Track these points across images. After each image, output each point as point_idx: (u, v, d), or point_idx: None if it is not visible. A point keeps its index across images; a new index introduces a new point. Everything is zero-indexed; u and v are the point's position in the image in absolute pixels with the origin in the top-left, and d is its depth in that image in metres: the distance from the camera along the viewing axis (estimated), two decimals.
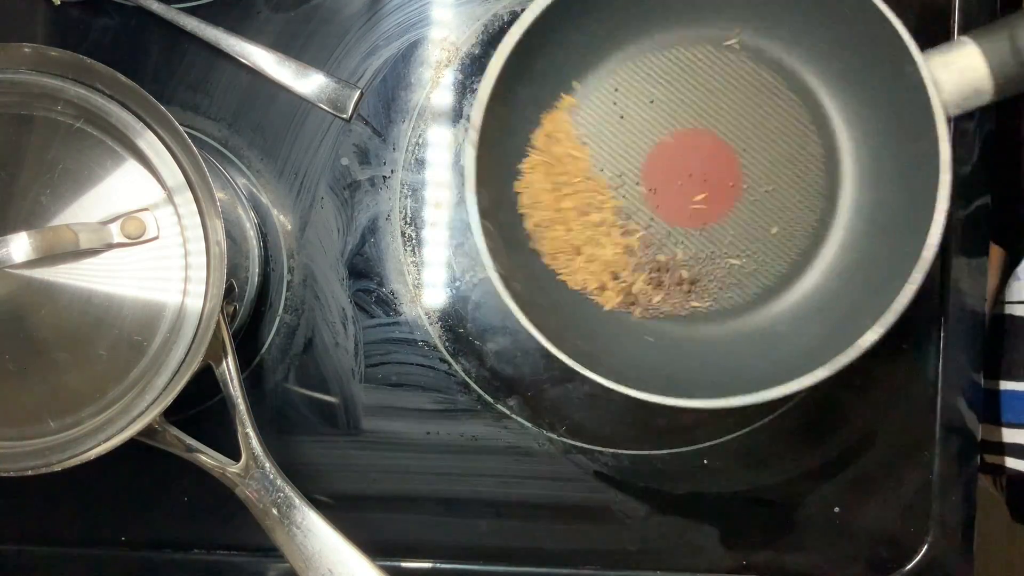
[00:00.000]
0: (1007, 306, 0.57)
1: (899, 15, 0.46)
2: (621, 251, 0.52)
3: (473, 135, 0.48)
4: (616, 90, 0.53)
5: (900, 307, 0.46)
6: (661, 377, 0.49)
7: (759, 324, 0.53)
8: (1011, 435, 0.56)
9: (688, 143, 0.53)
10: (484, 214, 0.48)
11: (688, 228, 0.53)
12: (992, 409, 0.56)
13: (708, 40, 0.53)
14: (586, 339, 0.50)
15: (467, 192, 0.48)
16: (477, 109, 0.48)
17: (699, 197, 0.53)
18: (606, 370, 0.47)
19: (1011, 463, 0.56)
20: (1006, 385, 0.56)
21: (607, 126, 0.53)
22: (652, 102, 0.53)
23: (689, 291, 0.53)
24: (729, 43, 0.53)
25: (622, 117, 0.53)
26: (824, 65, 0.52)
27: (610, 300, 0.52)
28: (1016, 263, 0.58)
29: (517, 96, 0.50)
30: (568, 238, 0.52)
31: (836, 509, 0.56)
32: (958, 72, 0.46)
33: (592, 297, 0.53)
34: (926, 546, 0.55)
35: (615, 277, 0.52)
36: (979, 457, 0.56)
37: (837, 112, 0.53)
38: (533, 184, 0.52)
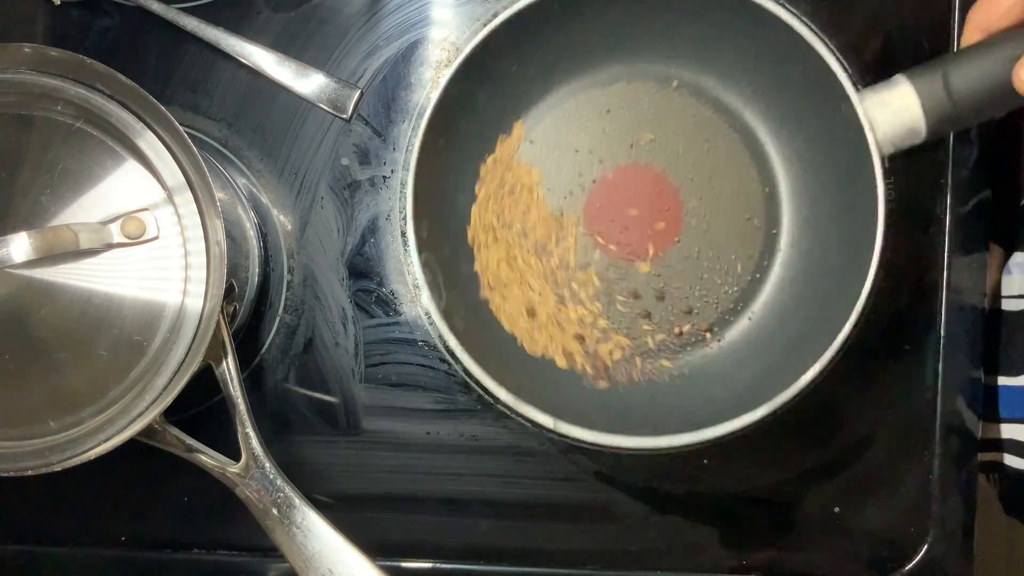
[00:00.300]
0: (1003, 301, 0.57)
1: (844, 54, 0.47)
2: (583, 310, 0.53)
3: (411, 166, 0.48)
4: (559, 125, 0.54)
5: (836, 345, 0.46)
6: (603, 415, 0.49)
7: (702, 362, 0.53)
8: (1008, 431, 0.56)
9: (630, 178, 0.54)
10: (423, 246, 0.48)
11: (632, 262, 0.53)
12: (989, 405, 0.56)
13: (651, 77, 0.53)
14: (528, 376, 0.50)
15: (407, 224, 0.48)
16: (416, 141, 0.48)
17: (642, 232, 0.53)
18: (549, 407, 0.47)
19: (1008, 459, 0.56)
20: (1003, 381, 0.56)
21: (551, 161, 0.54)
22: (594, 137, 0.54)
23: (658, 349, 0.53)
24: (669, 80, 0.53)
25: (568, 151, 0.54)
26: (763, 103, 0.53)
27: (576, 366, 0.53)
28: (1012, 253, 0.58)
29: (459, 129, 0.50)
30: (524, 297, 0.52)
31: (836, 509, 0.56)
32: (892, 112, 0.46)
33: (551, 359, 0.52)
34: (926, 546, 0.55)
35: (580, 340, 0.52)
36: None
37: (776, 150, 0.53)
38: (483, 234, 0.52)
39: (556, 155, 0.54)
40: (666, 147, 0.53)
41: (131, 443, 0.44)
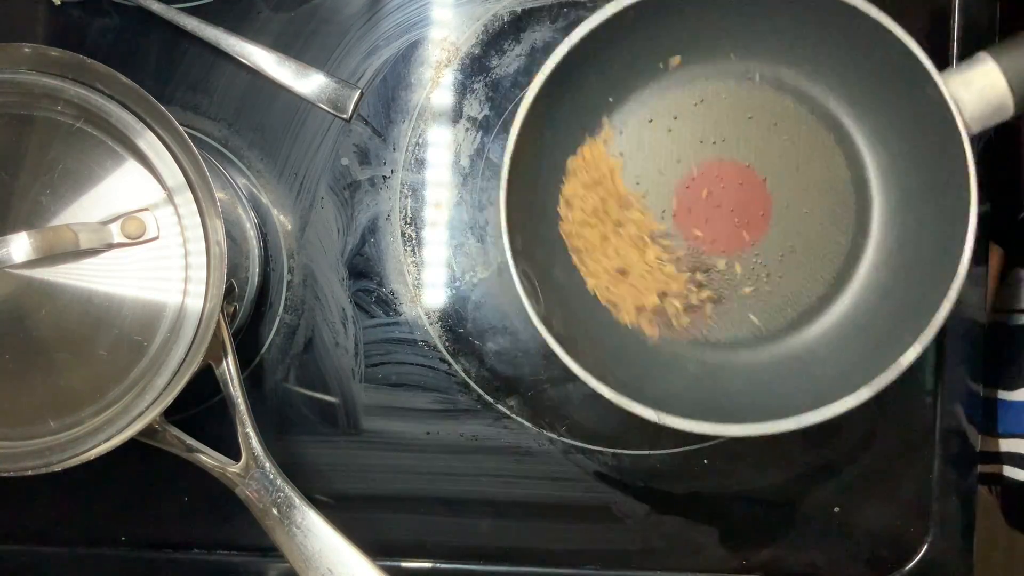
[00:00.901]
0: (1005, 315, 0.57)
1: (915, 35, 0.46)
2: (664, 273, 0.53)
3: (504, 178, 0.48)
4: (642, 128, 0.54)
5: (938, 324, 0.46)
6: (705, 405, 0.49)
7: (798, 348, 0.53)
8: (1007, 445, 0.56)
9: (716, 174, 0.53)
10: (518, 256, 0.48)
11: (723, 256, 0.53)
12: (988, 418, 0.56)
13: (730, 73, 0.53)
14: (628, 371, 0.50)
15: (502, 236, 0.48)
16: (507, 152, 0.48)
17: (731, 225, 0.53)
18: (651, 400, 0.47)
19: (1008, 472, 0.56)
20: (1003, 395, 0.56)
21: (636, 164, 0.54)
22: (678, 136, 0.54)
23: (723, 314, 0.53)
24: (749, 74, 0.53)
25: (652, 153, 0.54)
26: (845, 90, 0.52)
27: (652, 322, 0.53)
28: (1013, 267, 0.58)
29: (543, 138, 0.50)
30: (613, 263, 0.52)
31: (836, 509, 0.56)
32: (978, 90, 0.46)
33: (633, 324, 0.53)
34: (926, 546, 0.55)
35: (663, 296, 0.52)
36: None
37: (861, 135, 0.53)
38: (574, 207, 0.53)
39: (641, 158, 0.54)
40: (750, 141, 0.53)
41: (131, 443, 0.44)
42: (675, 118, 0.54)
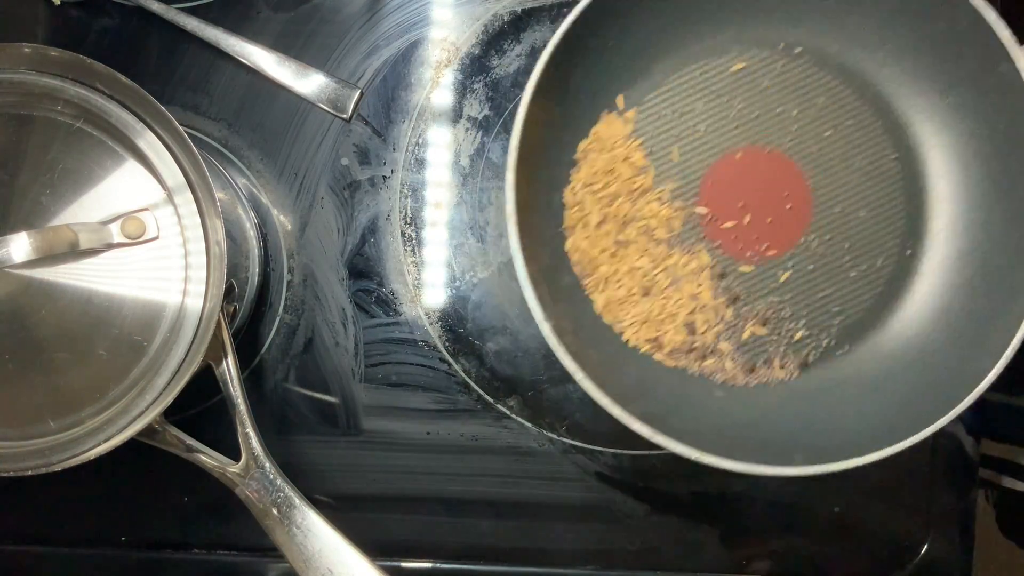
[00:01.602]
0: None
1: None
2: (690, 296, 0.46)
3: (511, 162, 0.42)
4: (664, 105, 0.47)
5: (1019, 342, 0.40)
6: (738, 437, 0.43)
7: (845, 371, 0.47)
8: (1008, 451, 0.56)
9: (748, 163, 0.47)
10: (528, 258, 0.42)
11: (753, 261, 0.47)
12: (989, 423, 0.56)
13: (765, 43, 0.46)
14: (650, 397, 0.44)
15: (510, 231, 0.42)
16: (516, 128, 0.42)
17: (763, 224, 0.47)
18: (678, 433, 0.41)
19: (1007, 481, 0.56)
20: (1006, 400, 0.56)
21: (656, 146, 0.47)
22: (704, 118, 0.47)
23: (764, 342, 0.46)
24: (789, 46, 0.46)
25: (675, 135, 0.47)
26: (898, 69, 0.46)
27: (678, 359, 0.46)
28: None
29: (553, 116, 0.44)
30: (629, 282, 0.46)
31: (836, 509, 0.56)
32: None
33: (655, 355, 0.46)
34: (926, 546, 0.55)
35: (690, 331, 0.46)
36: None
37: (916, 120, 0.46)
38: (583, 214, 0.46)
39: (661, 140, 0.47)
40: (785, 124, 0.46)
41: (131, 443, 0.44)
42: (702, 97, 0.47)
